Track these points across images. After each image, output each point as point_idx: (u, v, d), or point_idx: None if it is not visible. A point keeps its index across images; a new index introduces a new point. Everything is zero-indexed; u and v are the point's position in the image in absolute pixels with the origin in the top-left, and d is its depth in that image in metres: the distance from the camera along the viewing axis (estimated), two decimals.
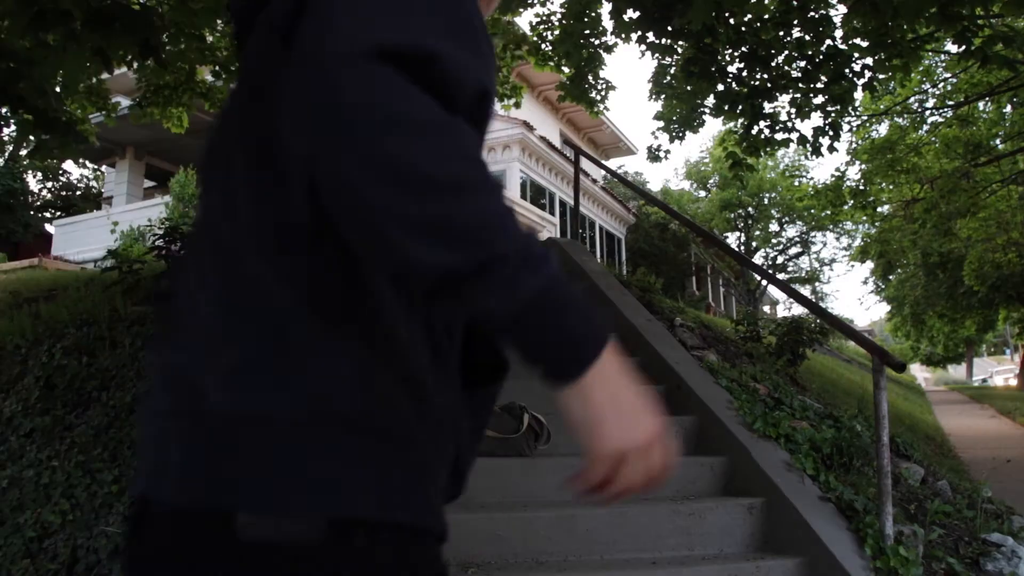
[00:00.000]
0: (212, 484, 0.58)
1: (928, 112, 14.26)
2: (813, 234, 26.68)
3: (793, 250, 27.43)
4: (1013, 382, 28.46)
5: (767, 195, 25.47)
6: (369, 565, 0.59)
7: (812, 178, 28.11)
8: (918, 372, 40.55)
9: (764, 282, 23.06)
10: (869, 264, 23.89)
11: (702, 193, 27.51)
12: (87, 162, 20.72)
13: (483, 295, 0.55)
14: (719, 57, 6.27)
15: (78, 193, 23.94)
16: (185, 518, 0.58)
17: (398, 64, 0.55)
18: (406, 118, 0.54)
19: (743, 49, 6.24)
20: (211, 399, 0.60)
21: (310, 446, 0.59)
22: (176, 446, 0.61)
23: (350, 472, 0.59)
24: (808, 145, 6.65)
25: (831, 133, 6.56)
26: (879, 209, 16.04)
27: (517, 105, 8.29)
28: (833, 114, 6.54)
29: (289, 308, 0.62)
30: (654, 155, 7.67)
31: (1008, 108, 13.96)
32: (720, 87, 6.43)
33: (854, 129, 14.36)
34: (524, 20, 41.48)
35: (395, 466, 0.62)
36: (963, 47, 5.25)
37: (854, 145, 15.04)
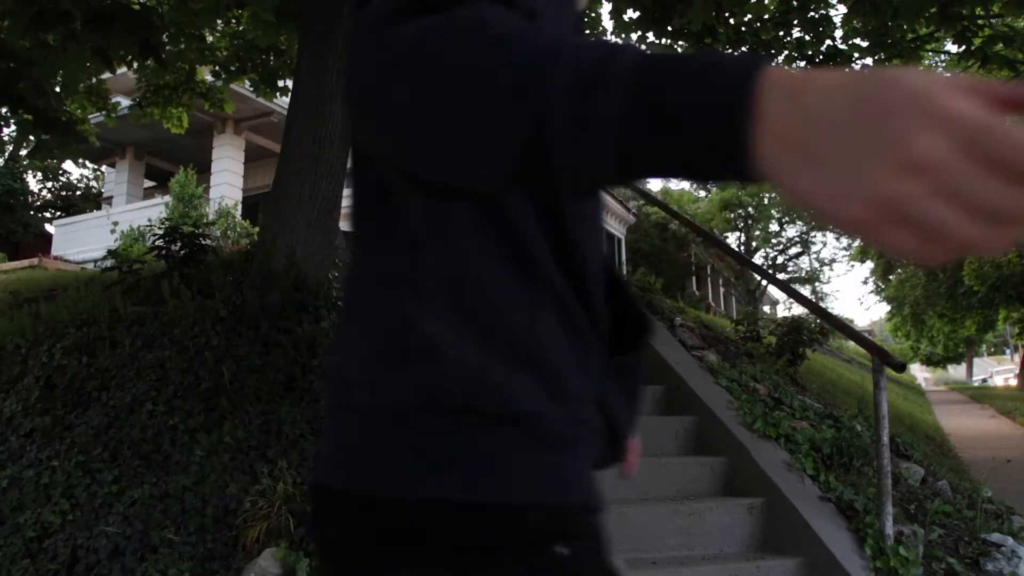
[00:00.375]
0: (354, 469, 0.63)
1: None
2: (813, 234, 26.69)
3: (793, 250, 27.45)
4: (1013, 382, 28.46)
5: (767, 195, 25.47)
6: (503, 541, 0.59)
7: None
8: (918, 372, 40.54)
9: (764, 282, 23.06)
10: (869, 264, 23.91)
11: (702, 193, 27.51)
12: (87, 162, 20.72)
13: (565, 163, 0.44)
14: None
15: (78, 193, 23.94)
16: (341, 495, 0.64)
17: (415, 8, 0.51)
18: (403, 50, 0.50)
19: (743, 49, 6.24)
20: (351, 394, 0.65)
21: (426, 435, 0.60)
22: (331, 437, 0.67)
23: (465, 458, 0.60)
24: None
25: None
26: None
27: None
28: None
29: (397, 300, 0.63)
30: None
31: None
32: None
33: None
34: None
35: (517, 447, 0.61)
36: (963, 47, 5.25)
37: None
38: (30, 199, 21.86)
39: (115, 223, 12.18)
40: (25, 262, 11.20)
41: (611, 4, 6.11)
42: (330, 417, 0.68)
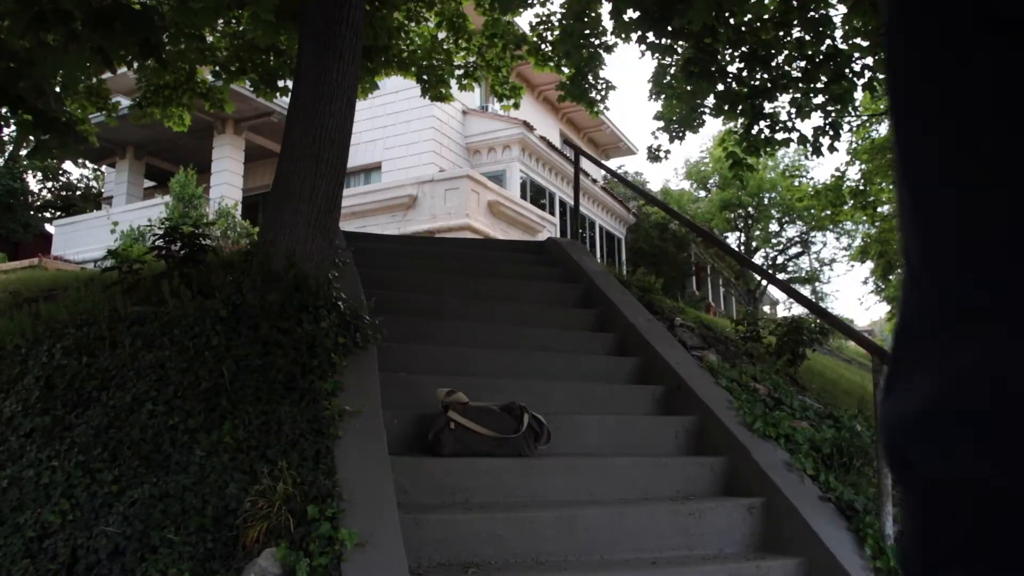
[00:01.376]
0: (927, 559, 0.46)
1: None
2: (813, 234, 26.69)
3: (793, 250, 27.45)
4: None
5: (767, 195, 25.48)
6: None
7: (812, 178, 28.12)
8: None
9: (764, 282, 23.06)
10: (869, 264, 23.91)
11: (702, 193, 27.51)
12: (87, 162, 20.73)
13: None
14: (719, 57, 6.27)
15: (78, 193, 23.95)
16: None
17: None
18: None
19: (743, 49, 6.24)
20: (916, 464, 0.47)
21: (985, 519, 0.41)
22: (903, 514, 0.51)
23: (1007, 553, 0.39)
24: (808, 145, 6.65)
25: (831, 133, 6.56)
26: (879, 209, 16.04)
27: (517, 105, 8.29)
28: (833, 114, 6.54)
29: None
30: (654, 155, 7.67)
31: None
32: (720, 87, 6.44)
33: (854, 129, 14.37)
34: (524, 20, 41.52)
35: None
36: None
37: (854, 145, 15.04)
38: (30, 199, 21.87)
39: (115, 223, 12.19)
40: (25, 262, 11.21)
41: (611, 4, 6.11)
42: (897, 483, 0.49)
